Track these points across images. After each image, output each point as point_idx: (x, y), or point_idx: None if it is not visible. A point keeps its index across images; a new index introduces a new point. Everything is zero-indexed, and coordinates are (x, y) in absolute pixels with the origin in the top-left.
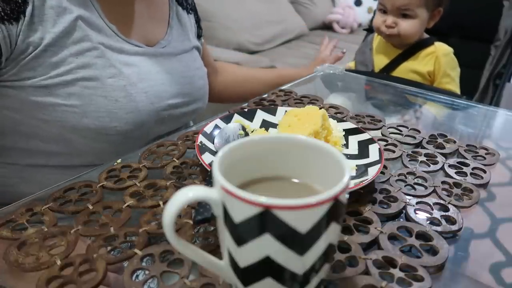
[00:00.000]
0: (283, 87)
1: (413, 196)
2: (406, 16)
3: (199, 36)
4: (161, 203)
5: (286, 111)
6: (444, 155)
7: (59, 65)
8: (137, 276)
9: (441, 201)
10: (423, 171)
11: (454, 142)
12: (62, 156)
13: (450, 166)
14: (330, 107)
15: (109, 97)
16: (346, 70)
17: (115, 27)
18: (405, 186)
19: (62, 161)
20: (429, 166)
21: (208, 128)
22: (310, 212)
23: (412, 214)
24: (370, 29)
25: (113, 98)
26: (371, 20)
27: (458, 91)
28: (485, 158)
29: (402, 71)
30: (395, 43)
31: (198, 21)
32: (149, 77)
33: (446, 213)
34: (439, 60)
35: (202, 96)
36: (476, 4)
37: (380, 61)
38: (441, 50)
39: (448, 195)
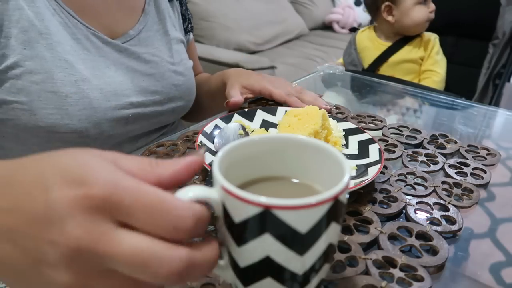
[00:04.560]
0: None
1: (413, 196)
2: None
3: (187, 31)
4: None
5: (286, 111)
6: (445, 155)
7: (6, 57)
8: None
9: (441, 201)
10: (423, 171)
11: (455, 142)
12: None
13: (450, 166)
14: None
15: (58, 93)
16: (347, 70)
17: (73, 11)
18: (405, 186)
19: None
20: (429, 166)
21: (208, 128)
22: (310, 212)
23: (412, 214)
24: (354, 29)
25: (63, 94)
26: (371, 21)
27: (440, 71)
28: (485, 159)
29: (393, 62)
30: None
31: (186, 13)
32: (106, 73)
33: (446, 213)
34: (427, 44)
35: (183, 94)
36: (474, 2)
37: (368, 57)
38: (427, 36)
39: (448, 195)
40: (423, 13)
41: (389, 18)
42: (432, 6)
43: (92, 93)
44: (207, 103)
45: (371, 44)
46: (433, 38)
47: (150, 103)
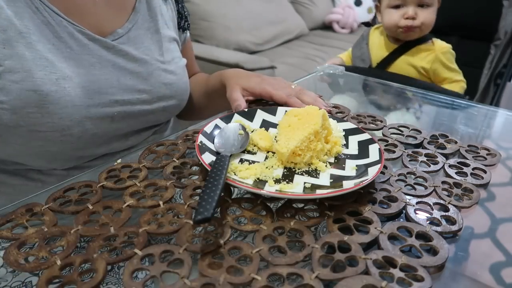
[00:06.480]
0: None
1: (413, 196)
2: (423, 5)
3: (184, 29)
4: (161, 203)
5: (286, 111)
6: (445, 155)
7: None
8: (137, 276)
9: (441, 201)
10: (423, 171)
11: (455, 142)
12: (5, 162)
13: (450, 166)
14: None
15: (38, 91)
16: (347, 70)
17: (58, 9)
18: (405, 186)
19: (7, 166)
20: (429, 166)
21: (208, 128)
22: None
23: (412, 214)
24: (368, 23)
25: (43, 92)
26: (372, 19)
27: (464, 80)
28: (485, 159)
29: (399, 64)
30: (412, 37)
31: (182, 11)
32: (90, 70)
33: (446, 213)
34: (440, 58)
35: (175, 93)
36: (476, 4)
37: (377, 55)
38: (440, 49)
39: (448, 195)
40: (394, 18)
41: (380, 17)
42: (408, 13)
43: (73, 91)
44: (204, 103)
45: (380, 43)
46: (446, 50)
47: (137, 102)
